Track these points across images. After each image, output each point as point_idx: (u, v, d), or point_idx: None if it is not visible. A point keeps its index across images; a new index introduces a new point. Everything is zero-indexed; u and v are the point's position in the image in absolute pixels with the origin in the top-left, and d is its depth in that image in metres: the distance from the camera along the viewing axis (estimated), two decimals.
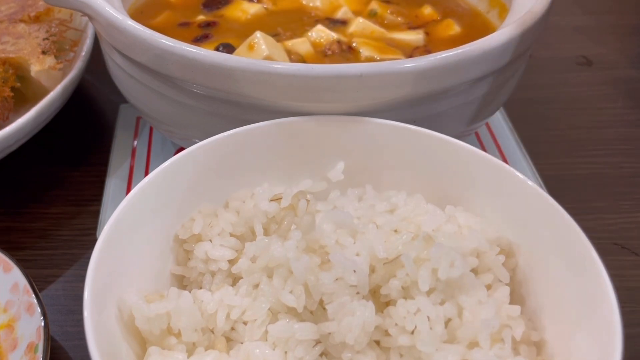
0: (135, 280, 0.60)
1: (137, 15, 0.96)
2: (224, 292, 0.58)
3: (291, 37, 0.89)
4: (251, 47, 0.81)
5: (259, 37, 0.81)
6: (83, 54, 0.97)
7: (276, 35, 0.89)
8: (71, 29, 1.03)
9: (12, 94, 0.90)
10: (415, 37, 0.93)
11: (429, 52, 0.84)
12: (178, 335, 0.56)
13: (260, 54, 0.80)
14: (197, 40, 0.90)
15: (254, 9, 0.97)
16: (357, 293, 0.55)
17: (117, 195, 0.90)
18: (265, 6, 0.99)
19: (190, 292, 0.60)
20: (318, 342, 0.55)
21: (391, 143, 0.71)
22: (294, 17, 0.97)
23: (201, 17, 0.96)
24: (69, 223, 0.87)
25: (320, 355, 0.54)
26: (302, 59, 0.85)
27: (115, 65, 0.83)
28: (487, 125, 1.04)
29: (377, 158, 0.72)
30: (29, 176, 0.94)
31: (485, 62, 0.73)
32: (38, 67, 0.91)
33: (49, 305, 0.66)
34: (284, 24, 0.94)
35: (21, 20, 0.99)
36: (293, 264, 0.56)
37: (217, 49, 0.85)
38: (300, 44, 0.87)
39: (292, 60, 0.85)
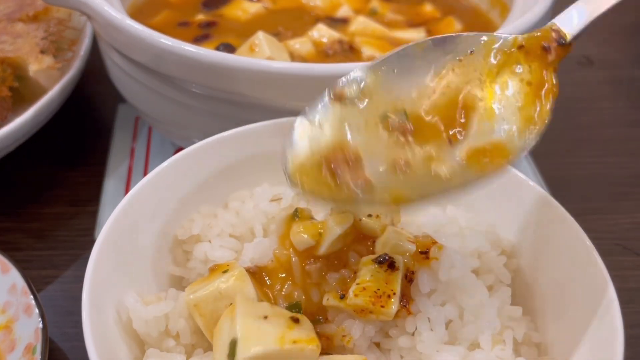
0: (133, 281, 0.60)
1: (137, 14, 0.95)
2: None
3: (292, 37, 0.89)
4: (252, 49, 0.81)
5: (260, 38, 0.81)
6: (82, 53, 0.97)
7: (277, 35, 0.89)
8: (70, 28, 1.03)
9: (10, 93, 0.89)
10: (416, 35, 0.92)
11: None
12: (177, 337, 0.56)
13: (262, 55, 0.79)
14: (197, 40, 0.89)
15: (254, 8, 0.97)
16: None
17: (115, 196, 0.89)
18: (265, 5, 0.99)
19: None
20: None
21: None
22: (294, 16, 0.97)
23: (201, 17, 0.96)
24: (67, 223, 0.86)
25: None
26: (304, 60, 0.85)
27: (114, 64, 0.82)
28: None
29: None
30: (26, 176, 0.93)
31: None
32: (36, 66, 0.91)
33: (47, 306, 0.66)
34: (285, 23, 0.93)
35: (19, 20, 0.99)
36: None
37: (217, 49, 0.85)
38: (302, 44, 0.86)
39: (294, 61, 0.84)
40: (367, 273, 0.53)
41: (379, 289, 0.52)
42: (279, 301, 0.56)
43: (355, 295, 0.52)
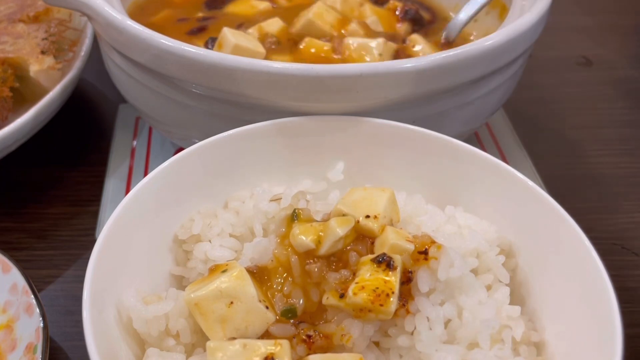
0: (134, 281, 0.60)
1: (138, 11, 0.96)
2: None
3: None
4: (220, 45, 0.81)
5: (225, 32, 0.82)
6: (82, 54, 0.97)
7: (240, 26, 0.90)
8: (70, 28, 1.03)
9: (11, 94, 0.89)
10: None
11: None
12: (177, 336, 0.56)
13: (229, 46, 0.80)
14: (192, 33, 0.90)
15: (262, 5, 0.97)
16: None
17: (116, 196, 0.89)
18: (274, 6, 0.99)
19: None
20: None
21: (391, 143, 0.71)
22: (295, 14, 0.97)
23: (200, 15, 0.96)
24: (68, 223, 0.87)
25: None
26: (276, 38, 0.86)
27: (115, 65, 0.82)
28: (487, 125, 1.04)
29: (377, 158, 0.72)
30: (28, 176, 0.94)
31: (485, 62, 0.73)
32: (37, 67, 0.91)
33: (48, 305, 0.66)
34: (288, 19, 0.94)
35: (20, 20, 0.99)
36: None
37: (205, 44, 0.86)
38: (273, 24, 0.88)
39: (266, 42, 0.85)
40: (366, 272, 0.54)
41: (377, 288, 0.52)
42: (277, 301, 0.56)
43: (355, 294, 0.52)
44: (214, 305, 0.53)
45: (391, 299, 0.52)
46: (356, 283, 0.53)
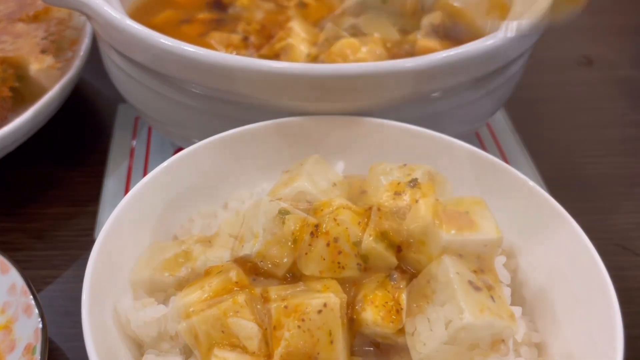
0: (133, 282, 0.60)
1: (140, 11, 0.95)
2: None
3: None
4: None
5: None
6: (82, 53, 0.97)
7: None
8: (70, 28, 1.03)
9: (10, 93, 0.89)
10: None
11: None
12: (174, 338, 0.56)
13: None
14: (204, 35, 0.89)
15: (267, 5, 0.97)
16: None
17: (115, 196, 0.89)
18: (281, 5, 0.98)
19: None
20: None
21: (391, 143, 0.71)
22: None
23: (203, 16, 0.96)
24: (67, 224, 0.86)
25: None
26: None
27: (114, 64, 0.82)
28: (488, 125, 1.04)
29: (377, 158, 0.72)
30: (26, 176, 0.93)
31: (486, 62, 0.73)
32: (37, 66, 0.91)
33: (47, 306, 0.66)
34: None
35: (20, 20, 0.99)
36: None
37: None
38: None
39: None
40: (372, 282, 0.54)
41: (387, 302, 0.52)
42: None
43: (364, 310, 0.52)
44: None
45: (402, 317, 0.52)
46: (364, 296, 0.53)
